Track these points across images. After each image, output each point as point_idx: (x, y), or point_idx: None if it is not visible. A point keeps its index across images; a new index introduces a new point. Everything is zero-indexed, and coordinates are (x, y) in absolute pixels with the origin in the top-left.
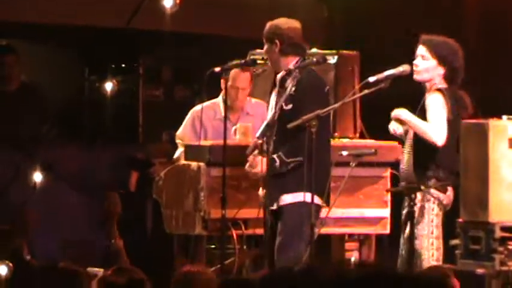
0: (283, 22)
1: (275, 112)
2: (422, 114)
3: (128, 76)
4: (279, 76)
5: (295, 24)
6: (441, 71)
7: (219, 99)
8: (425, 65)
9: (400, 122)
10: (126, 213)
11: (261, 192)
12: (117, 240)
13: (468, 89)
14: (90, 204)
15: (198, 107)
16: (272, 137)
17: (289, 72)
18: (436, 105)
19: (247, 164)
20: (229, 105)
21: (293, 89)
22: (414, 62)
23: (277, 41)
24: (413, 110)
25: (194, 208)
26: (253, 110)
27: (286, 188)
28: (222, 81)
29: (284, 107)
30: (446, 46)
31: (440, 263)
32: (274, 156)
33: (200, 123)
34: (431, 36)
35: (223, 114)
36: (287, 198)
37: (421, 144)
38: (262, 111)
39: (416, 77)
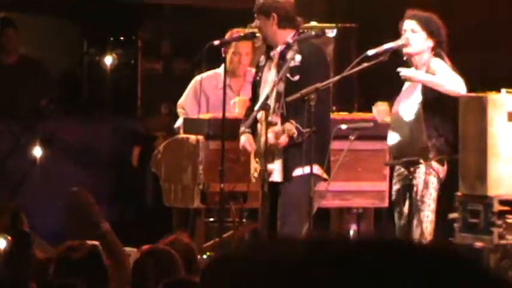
0: None
1: (274, 85)
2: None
3: (126, 49)
4: (278, 49)
5: None
6: (430, 43)
7: (221, 69)
8: (417, 38)
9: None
10: (126, 186)
11: (255, 165)
12: (103, 225)
13: (467, 62)
14: (90, 178)
15: (200, 76)
16: (278, 110)
17: (288, 46)
18: (443, 66)
19: (273, 136)
20: (231, 72)
21: (299, 59)
22: (404, 36)
23: (274, 14)
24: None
25: (193, 181)
26: None
27: (291, 163)
28: (223, 50)
29: (291, 79)
30: (432, 20)
31: (432, 236)
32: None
33: (200, 92)
34: (417, 11)
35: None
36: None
37: (427, 113)
38: None
39: (408, 50)
